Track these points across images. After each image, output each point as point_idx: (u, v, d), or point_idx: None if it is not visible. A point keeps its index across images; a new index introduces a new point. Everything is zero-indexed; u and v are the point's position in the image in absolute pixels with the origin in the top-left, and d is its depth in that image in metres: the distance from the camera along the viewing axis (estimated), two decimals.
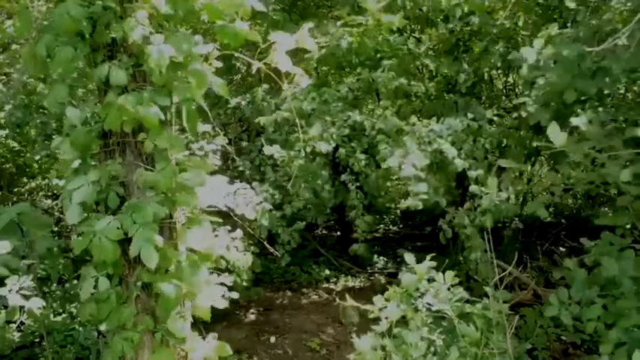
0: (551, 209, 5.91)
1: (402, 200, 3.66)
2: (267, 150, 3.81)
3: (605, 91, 2.65)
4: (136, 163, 2.20)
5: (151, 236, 2.12)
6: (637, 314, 2.16)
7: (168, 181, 2.18)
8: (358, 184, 4.27)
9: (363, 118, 3.78)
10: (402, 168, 3.34)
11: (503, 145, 3.49)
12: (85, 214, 2.17)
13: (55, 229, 4.44)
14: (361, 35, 4.36)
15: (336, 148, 3.99)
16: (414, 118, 3.62)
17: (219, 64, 2.49)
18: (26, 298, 2.74)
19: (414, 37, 5.37)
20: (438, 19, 4.58)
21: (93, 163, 2.23)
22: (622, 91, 3.54)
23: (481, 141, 3.44)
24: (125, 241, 2.16)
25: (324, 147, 3.72)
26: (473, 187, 3.09)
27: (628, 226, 2.63)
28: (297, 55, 2.92)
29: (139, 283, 2.27)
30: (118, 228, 2.10)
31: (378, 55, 4.87)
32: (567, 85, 2.52)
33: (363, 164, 3.90)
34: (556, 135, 1.93)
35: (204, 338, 2.54)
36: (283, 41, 2.67)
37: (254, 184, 3.83)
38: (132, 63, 2.13)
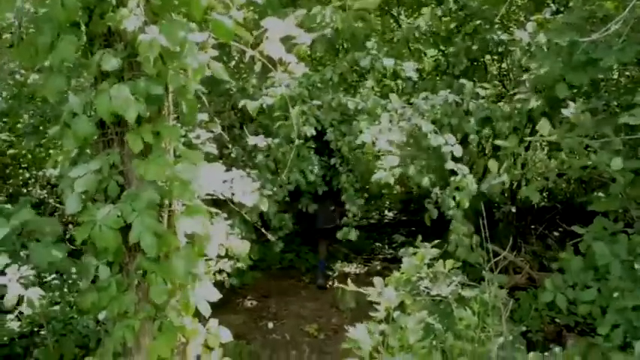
0: (545, 194, 5.94)
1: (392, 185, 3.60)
2: (252, 140, 3.79)
3: (599, 77, 2.67)
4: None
5: (150, 223, 2.14)
6: (630, 296, 2.20)
7: (160, 170, 2.18)
8: (349, 167, 4.26)
9: (347, 100, 3.73)
10: (375, 143, 3.25)
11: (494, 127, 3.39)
12: (84, 204, 2.19)
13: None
14: (348, 17, 4.35)
15: (324, 133, 3.97)
16: (394, 96, 3.53)
17: (216, 53, 2.49)
18: (25, 287, 2.76)
19: (407, 21, 5.37)
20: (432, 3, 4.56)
21: (92, 152, 2.24)
22: (615, 77, 3.55)
23: (470, 120, 3.31)
24: (125, 229, 2.18)
25: (309, 131, 3.69)
26: (449, 164, 3.02)
27: (620, 211, 2.67)
28: (291, 40, 2.92)
29: (140, 271, 2.29)
30: (118, 216, 2.12)
31: (370, 39, 4.87)
32: (559, 76, 2.54)
33: (352, 147, 3.85)
34: (543, 126, 1.95)
35: (204, 325, 2.58)
36: (275, 28, 2.68)
37: (249, 170, 3.82)
38: (127, 53, 2.12)
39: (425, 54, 5.10)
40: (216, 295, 2.56)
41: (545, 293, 2.45)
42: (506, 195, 5.83)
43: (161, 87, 2.11)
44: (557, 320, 4.15)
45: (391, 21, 5.67)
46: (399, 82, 3.52)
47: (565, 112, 2.53)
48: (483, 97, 3.26)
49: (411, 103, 3.27)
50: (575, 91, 2.68)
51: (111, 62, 2.04)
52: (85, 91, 2.11)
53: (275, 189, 3.90)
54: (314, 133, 3.76)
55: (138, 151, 2.15)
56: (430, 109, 3.12)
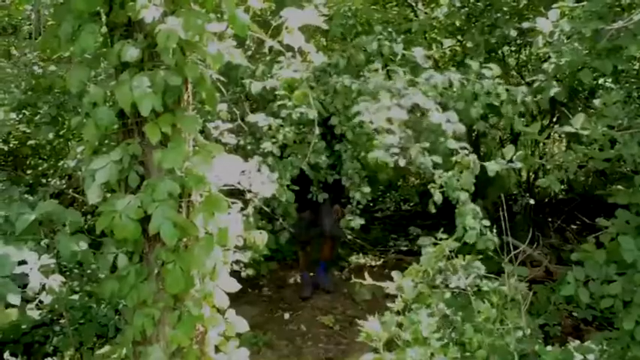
0: (564, 186, 5.84)
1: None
2: (252, 117, 3.69)
3: (620, 68, 2.62)
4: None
5: (169, 214, 2.15)
6: None
7: (177, 160, 2.19)
8: (355, 153, 4.12)
9: (351, 82, 3.62)
10: (372, 122, 3.01)
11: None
12: (105, 194, 2.21)
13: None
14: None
15: (329, 118, 3.85)
16: (398, 75, 3.38)
17: (233, 43, 2.49)
18: (46, 275, 2.80)
19: (424, 10, 5.31)
20: None
21: (112, 142, 2.26)
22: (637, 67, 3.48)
23: (475, 104, 3.14)
24: (145, 220, 2.19)
25: (311, 114, 3.53)
26: (450, 142, 2.86)
27: None
28: (306, 30, 2.89)
29: (159, 261, 2.30)
30: (138, 207, 2.14)
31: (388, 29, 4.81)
32: (582, 64, 2.50)
33: (355, 131, 3.71)
34: (578, 119, 1.91)
35: (222, 314, 2.60)
36: (294, 18, 2.68)
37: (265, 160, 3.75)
38: (147, 43, 2.13)
39: (441, 44, 5.04)
40: (235, 286, 2.58)
41: (567, 287, 2.42)
42: (523, 187, 5.77)
43: (180, 77, 2.10)
44: (574, 314, 4.12)
45: (408, 11, 5.62)
46: (407, 69, 3.39)
47: (596, 102, 2.48)
48: (489, 78, 3.07)
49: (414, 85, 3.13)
50: (595, 82, 2.64)
51: (131, 53, 2.05)
52: (105, 80, 2.11)
53: (280, 175, 3.76)
54: (316, 116, 3.60)
55: (156, 142, 2.16)
56: (432, 87, 2.99)
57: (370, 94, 3.10)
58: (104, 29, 2.24)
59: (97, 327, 4.22)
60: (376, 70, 3.32)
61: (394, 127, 2.91)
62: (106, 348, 3.23)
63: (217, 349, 2.63)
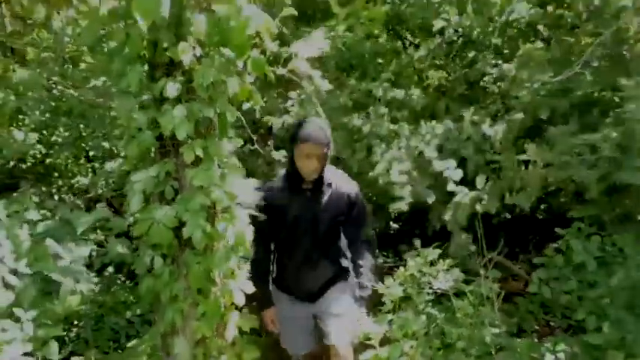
0: (543, 205, 6.35)
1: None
2: (275, 155, 4.22)
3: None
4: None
5: (200, 223, 2.58)
6: (602, 287, 2.63)
7: (207, 178, 2.62)
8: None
9: (360, 122, 4.18)
10: (391, 173, 3.72)
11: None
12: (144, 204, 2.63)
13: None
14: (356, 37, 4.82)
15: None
16: (404, 125, 3.98)
17: (252, 79, 2.94)
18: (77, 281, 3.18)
19: (412, 42, 5.82)
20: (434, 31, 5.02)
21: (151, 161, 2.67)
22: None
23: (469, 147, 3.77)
24: (176, 227, 2.61)
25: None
26: (450, 186, 3.50)
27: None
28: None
29: (188, 263, 2.71)
30: (174, 217, 2.56)
31: (378, 60, 5.31)
32: (540, 102, 3.02)
33: (360, 165, 4.26)
34: (530, 147, 2.40)
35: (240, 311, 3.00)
36: (304, 49, 3.14)
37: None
38: (185, 79, 2.57)
39: (427, 77, 5.55)
40: (251, 288, 2.99)
41: (532, 285, 2.88)
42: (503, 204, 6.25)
43: (212, 109, 2.55)
44: (551, 324, 4.56)
45: (398, 43, 6.12)
46: (404, 112, 3.99)
47: (552, 131, 2.98)
48: (477, 124, 3.70)
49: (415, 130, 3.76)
50: (556, 114, 3.13)
51: (172, 90, 2.49)
52: (148, 109, 2.54)
53: None
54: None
55: (190, 162, 2.59)
56: (433, 137, 3.61)
57: (379, 137, 3.72)
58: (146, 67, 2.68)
59: (110, 334, 4.58)
60: (382, 116, 3.91)
61: (405, 179, 3.52)
62: (134, 342, 3.57)
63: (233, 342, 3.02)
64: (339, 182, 3.01)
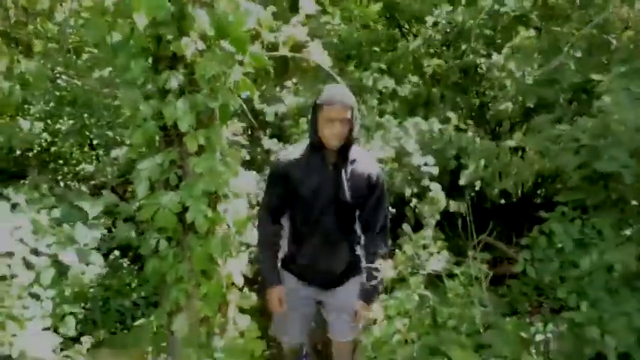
0: (539, 190, 6.51)
1: None
2: (266, 143, 4.32)
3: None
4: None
5: (202, 208, 2.73)
6: (581, 267, 2.80)
7: (209, 166, 2.77)
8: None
9: None
10: None
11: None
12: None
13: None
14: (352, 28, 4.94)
15: None
16: (391, 119, 4.09)
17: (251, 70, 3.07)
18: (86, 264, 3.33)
19: (409, 31, 5.93)
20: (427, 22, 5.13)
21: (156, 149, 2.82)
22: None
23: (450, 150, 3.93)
24: (180, 212, 2.76)
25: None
26: (425, 181, 3.65)
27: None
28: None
29: (192, 245, 2.87)
30: (178, 202, 2.71)
31: (375, 48, 5.42)
32: (528, 90, 3.15)
33: None
34: (516, 135, 2.54)
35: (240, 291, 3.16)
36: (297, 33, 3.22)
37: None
38: (187, 72, 2.71)
39: (423, 64, 5.67)
40: (251, 270, 3.15)
41: (518, 264, 3.04)
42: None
43: (214, 101, 2.69)
44: (544, 305, 4.72)
45: (396, 31, 6.22)
46: (396, 103, 4.11)
47: (538, 119, 3.12)
48: (464, 130, 3.87)
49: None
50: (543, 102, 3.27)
51: (174, 82, 2.63)
52: (152, 101, 2.68)
53: None
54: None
55: (193, 151, 2.74)
56: (417, 134, 3.75)
57: (365, 128, 3.83)
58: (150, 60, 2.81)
59: (116, 315, 4.76)
60: (372, 108, 4.01)
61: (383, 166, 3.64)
62: (141, 321, 3.74)
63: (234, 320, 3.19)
64: (364, 160, 2.77)
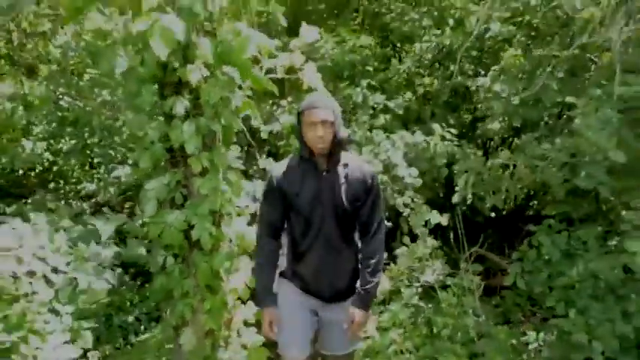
0: (532, 203, 6.68)
1: None
2: (262, 163, 4.48)
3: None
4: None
5: (207, 226, 2.86)
6: (568, 277, 2.95)
7: (213, 186, 2.91)
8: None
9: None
10: None
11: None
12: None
13: None
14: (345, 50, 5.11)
15: None
16: (380, 133, 4.25)
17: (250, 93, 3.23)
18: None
19: (398, 52, 6.11)
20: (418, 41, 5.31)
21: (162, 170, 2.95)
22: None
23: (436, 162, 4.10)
24: (186, 230, 2.89)
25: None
26: (409, 192, 3.79)
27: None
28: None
29: (197, 262, 2.99)
30: (184, 221, 2.85)
31: (367, 68, 5.59)
32: (514, 111, 3.33)
33: None
34: (503, 153, 2.71)
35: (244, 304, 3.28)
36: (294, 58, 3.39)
37: None
38: (192, 97, 2.86)
39: (415, 83, 5.86)
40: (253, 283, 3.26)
41: (508, 277, 3.19)
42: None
43: (218, 125, 2.83)
44: (537, 315, 4.87)
45: (389, 49, 6.40)
46: (387, 116, 4.26)
47: (524, 138, 3.29)
48: (450, 140, 4.03)
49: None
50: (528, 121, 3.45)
51: (180, 107, 2.77)
52: (159, 125, 2.82)
53: None
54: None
55: (197, 171, 2.88)
56: (403, 146, 3.90)
57: (357, 143, 3.97)
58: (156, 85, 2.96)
59: (119, 331, 4.85)
60: (364, 123, 4.16)
61: None
62: (145, 336, 3.84)
63: (238, 333, 3.31)
64: (356, 163, 2.75)
